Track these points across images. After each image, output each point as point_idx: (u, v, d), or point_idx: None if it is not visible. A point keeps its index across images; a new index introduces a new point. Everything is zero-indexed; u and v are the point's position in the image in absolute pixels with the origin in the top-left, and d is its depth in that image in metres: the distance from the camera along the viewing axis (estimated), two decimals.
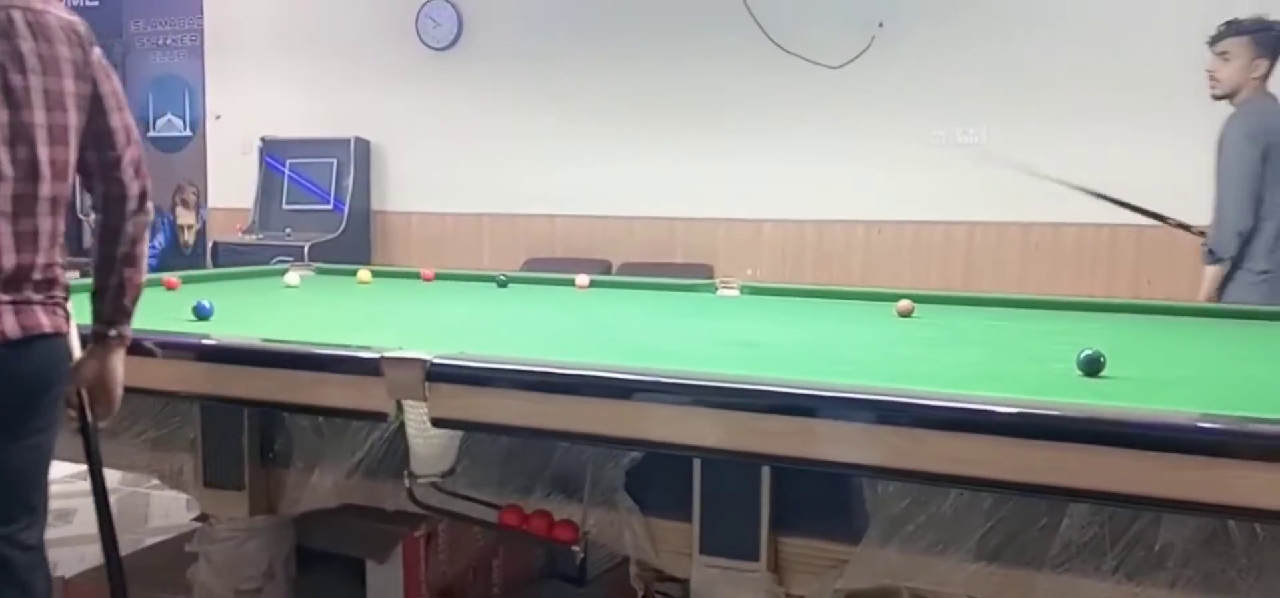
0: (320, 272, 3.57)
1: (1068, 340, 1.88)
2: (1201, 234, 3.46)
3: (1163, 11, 4.61)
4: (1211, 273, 3.23)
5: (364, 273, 3.33)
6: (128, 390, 1.84)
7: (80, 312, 1.62)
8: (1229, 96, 3.31)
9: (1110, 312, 2.77)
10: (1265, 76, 3.25)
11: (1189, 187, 4.66)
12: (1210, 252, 3.22)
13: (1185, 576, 1.27)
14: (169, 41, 6.77)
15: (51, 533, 3.44)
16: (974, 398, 1.24)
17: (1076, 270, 4.79)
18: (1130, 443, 1.12)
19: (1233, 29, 3.30)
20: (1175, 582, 1.28)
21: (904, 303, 2.55)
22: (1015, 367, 1.79)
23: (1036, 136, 4.81)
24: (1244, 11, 3.40)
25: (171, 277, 3.11)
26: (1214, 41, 3.33)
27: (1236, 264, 3.20)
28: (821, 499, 1.47)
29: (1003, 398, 1.23)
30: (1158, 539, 1.28)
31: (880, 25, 5.03)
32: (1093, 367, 1.56)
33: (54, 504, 3.53)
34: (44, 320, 1.47)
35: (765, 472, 1.47)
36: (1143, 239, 4.70)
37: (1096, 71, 4.71)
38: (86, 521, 3.49)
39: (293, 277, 3.26)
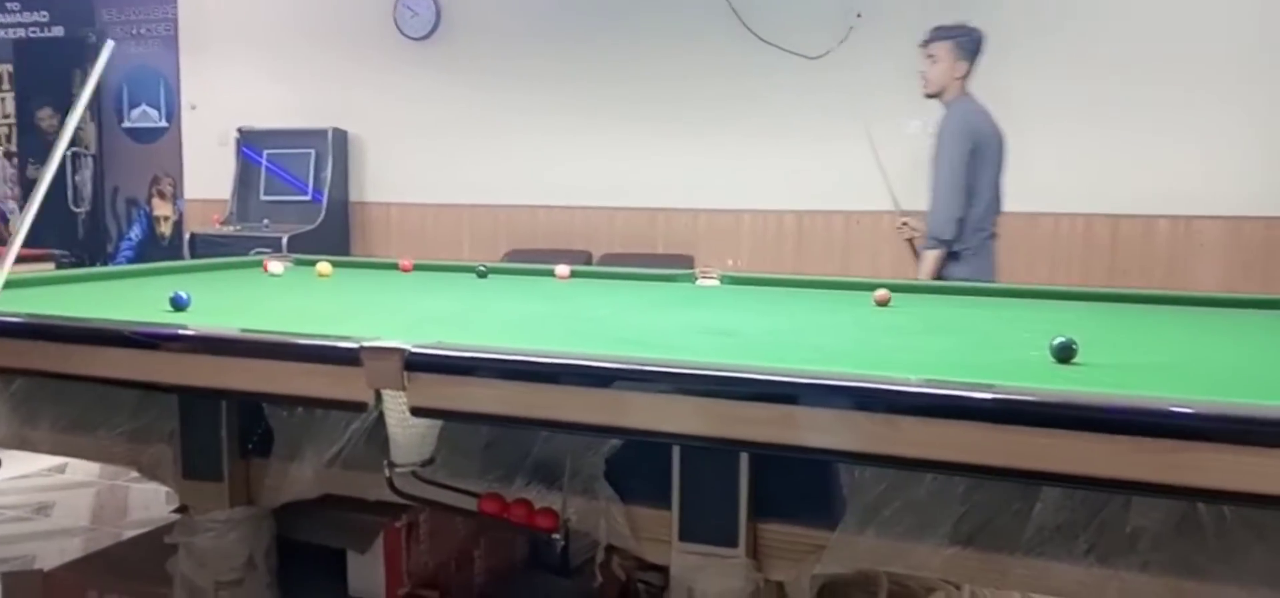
0: (299, 263, 3.55)
1: (1042, 328, 1.90)
2: (905, 222, 3.95)
3: (1137, 6, 4.66)
4: (934, 256, 3.58)
5: (324, 265, 3.23)
6: (106, 382, 1.83)
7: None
8: (937, 95, 3.68)
9: (1085, 300, 2.80)
10: (966, 77, 3.63)
11: (1171, 177, 4.73)
12: (935, 238, 3.58)
13: (1156, 559, 1.29)
14: (143, 31, 6.71)
15: (30, 526, 3.43)
16: (949, 384, 1.25)
17: (1052, 260, 4.84)
18: (1102, 427, 1.14)
19: (939, 33, 3.66)
20: (1146, 565, 1.30)
21: (881, 292, 2.57)
22: (990, 354, 1.81)
23: (1015, 126, 4.84)
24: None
25: (324, 264, 3.20)
26: (924, 44, 3.69)
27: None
28: (800, 486, 1.49)
29: (977, 384, 1.25)
30: (1129, 523, 1.30)
31: (858, 16, 5.05)
32: (1065, 353, 1.58)
33: (33, 498, 3.51)
34: None
35: (744, 459, 1.48)
36: (1118, 230, 4.76)
37: (1074, 63, 4.76)
38: (65, 513, 3.47)
39: (276, 265, 3.27)
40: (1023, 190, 4.85)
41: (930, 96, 3.71)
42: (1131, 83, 4.62)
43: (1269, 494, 1.08)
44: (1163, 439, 1.12)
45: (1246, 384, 1.55)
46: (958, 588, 2.38)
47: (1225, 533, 1.27)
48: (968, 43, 3.64)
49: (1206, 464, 1.10)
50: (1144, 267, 4.68)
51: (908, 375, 1.29)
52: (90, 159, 6.75)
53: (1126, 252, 4.71)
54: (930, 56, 3.67)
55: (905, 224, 3.94)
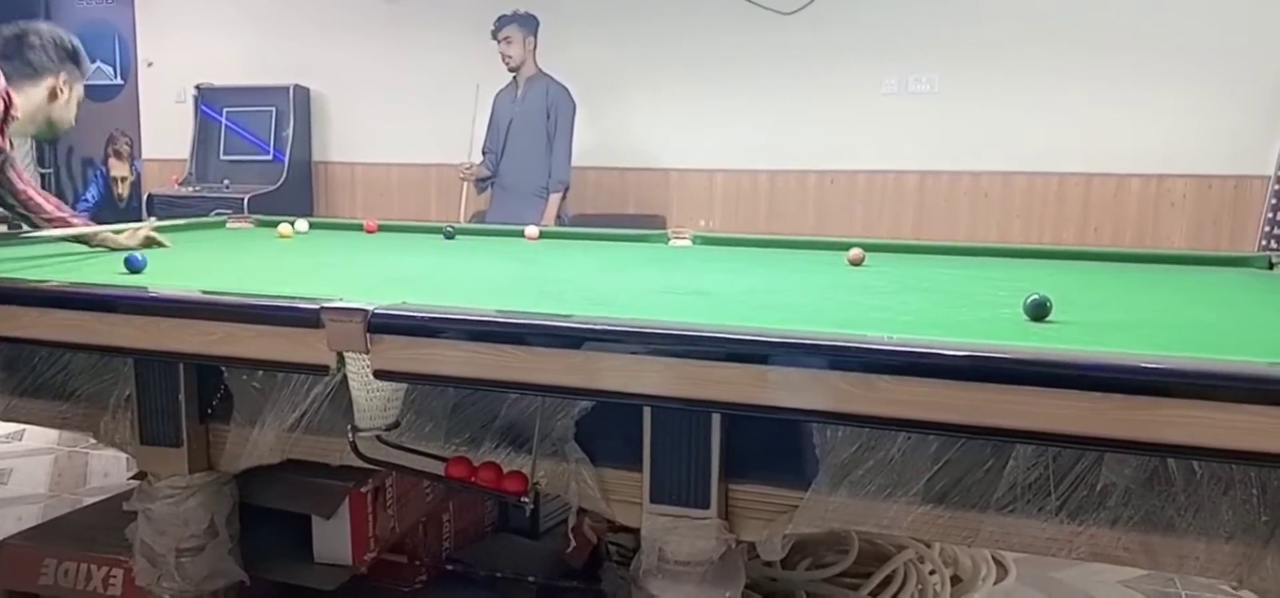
0: (260, 224, 3.48)
1: (1016, 287, 1.90)
2: (469, 164, 4.86)
3: None
4: (555, 202, 4.56)
5: (284, 227, 3.12)
6: (60, 345, 1.78)
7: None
8: (519, 69, 4.59)
9: (1058, 259, 2.81)
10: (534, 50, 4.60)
11: (1143, 136, 4.74)
12: (562, 183, 4.59)
13: (1125, 514, 1.30)
14: None
15: None
16: (922, 342, 1.24)
17: (1026, 219, 4.86)
18: (1074, 384, 1.13)
19: (510, 19, 4.53)
20: (1116, 521, 1.30)
21: (855, 251, 2.55)
22: (964, 312, 1.80)
23: (989, 85, 4.84)
24: None
25: (285, 225, 3.10)
26: (499, 29, 4.55)
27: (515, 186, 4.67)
28: (772, 446, 1.47)
29: (950, 342, 1.23)
30: (1100, 479, 1.30)
31: None
32: (1039, 311, 1.57)
33: None
34: None
35: (716, 419, 1.46)
36: (1091, 188, 4.78)
37: (1049, 22, 4.75)
38: (23, 481, 3.40)
39: (238, 224, 3.20)
40: (997, 150, 4.87)
41: (513, 70, 4.58)
42: (1105, 44, 4.62)
43: (1238, 450, 1.08)
44: (1135, 396, 1.11)
45: (1216, 340, 1.55)
46: (928, 545, 2.40)
47: (1194, 488, 1.27)
48: (530, 22, 4.53)
49: (1178, 420, 1.10)
50: (1115, 224, 4.71)
51: (882, 334, 1.27)
52: None
53: (1099, 209, 4.74)
54: (506, 39, 4.51)
55: (465, 164, 4.85)
